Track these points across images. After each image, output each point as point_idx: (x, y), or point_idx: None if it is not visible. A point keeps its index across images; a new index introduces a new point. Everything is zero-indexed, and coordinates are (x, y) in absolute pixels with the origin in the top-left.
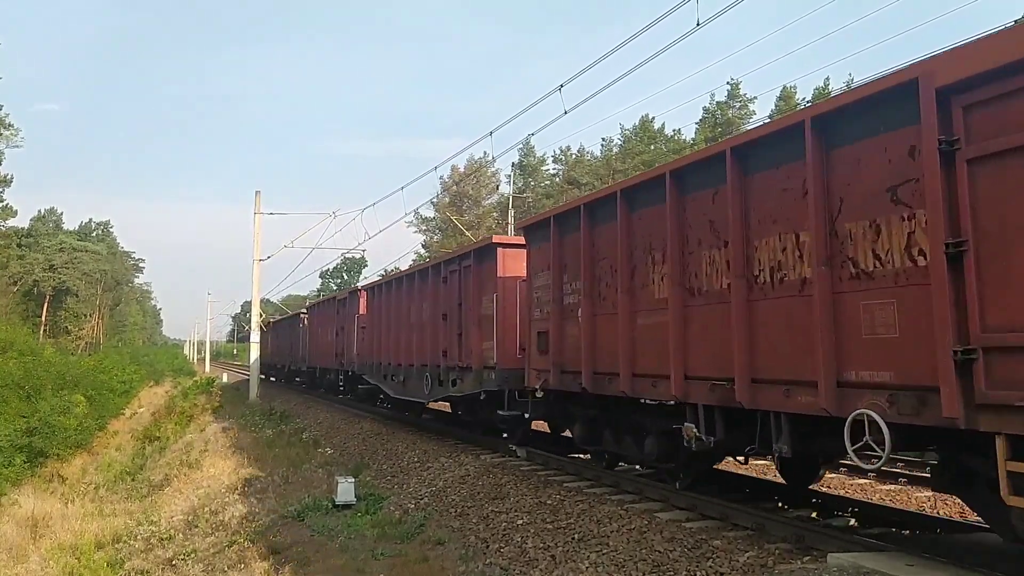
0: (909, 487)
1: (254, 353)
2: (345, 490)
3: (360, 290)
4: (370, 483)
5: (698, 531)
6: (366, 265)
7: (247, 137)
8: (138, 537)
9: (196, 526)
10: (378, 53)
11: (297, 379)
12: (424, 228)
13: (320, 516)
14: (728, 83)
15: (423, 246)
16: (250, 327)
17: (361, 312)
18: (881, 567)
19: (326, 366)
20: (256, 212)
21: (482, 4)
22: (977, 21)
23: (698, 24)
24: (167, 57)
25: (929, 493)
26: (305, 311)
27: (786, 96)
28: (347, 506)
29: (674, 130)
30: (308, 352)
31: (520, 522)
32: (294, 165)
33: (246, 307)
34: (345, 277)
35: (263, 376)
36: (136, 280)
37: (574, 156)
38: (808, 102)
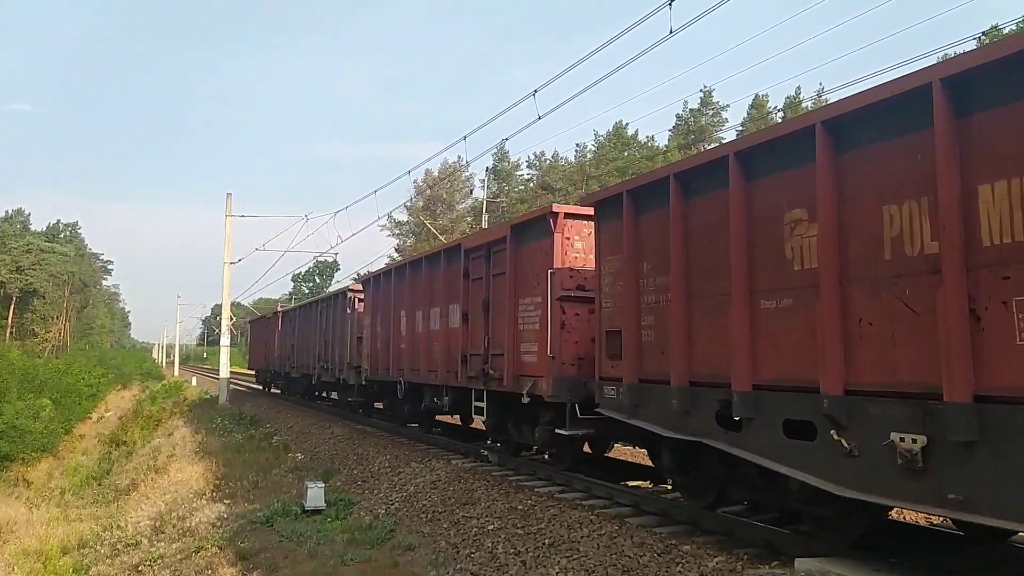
0: None
1: (224, 357)
2: (315, 495)
3: (561, 214)
4: (340, 488)
5: (668, 536)
6: (339, 268)
7: (220, 139)
8: (104, 543)
9: (163, 532)
10: (355, 57)
11: (328, 395)
12: (397, 232)
13: (289, 521)
14: (701, 91)
15: (396, 250)
16: (220, 330)
17: (560, 265)
18: (847, 572)
19: (425, 380)
20: (227, 214)
21: (461, 11)
22: (949, 31)
23: (671, 32)
24: (140, 59)
25: None
26: (357, 288)
27: (758, 104)
28: (317, 511)
29: (647, 137)
30: (369, 355)
31: (491, 527)
32: (267, 168)
33: (216, 310)
34: (317, 280)
35: (262, 388)
36: (104, 282)
37: (548, 161)
38: (780, 110)
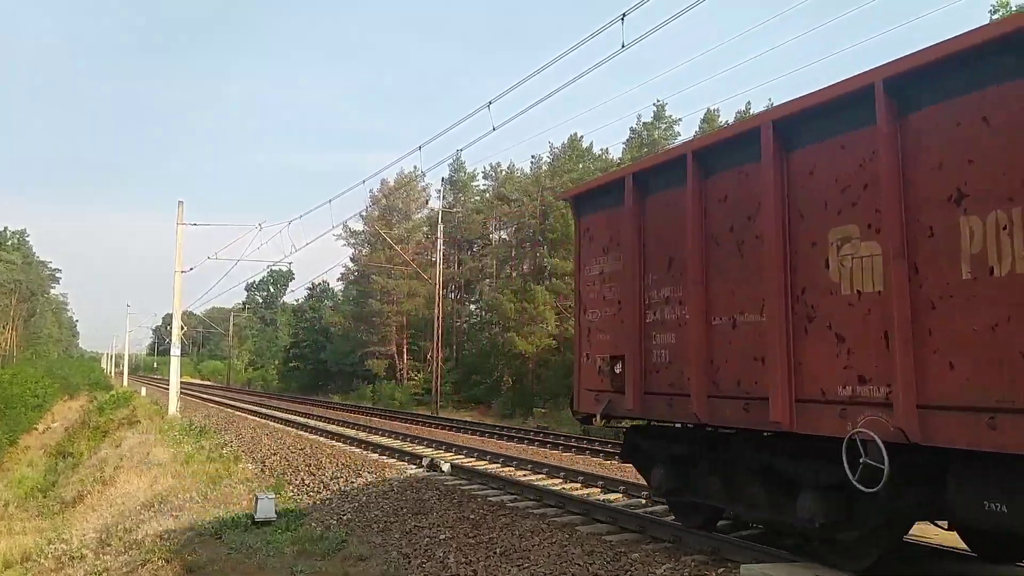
0: None
1: (174, 366)
2: (265, 506)
3: None
4: (291, 499)
5: (618, 544)
6: (293, 278)
7: (172, 146)
8: (48, 555)
9: (109, 544)
10: (311, 67)
11: None
12: (353, 241)
13: (238, 533)
14: (654, 104)
15: (351, 260)
16: (171, 340)
17: None
18: None
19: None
20: (179, 223)
21: (420, 23)
22: (894, 49)
23: (623, 46)
24: (92, 63)
25: None
26: None
27: (709, 119)
28: (267, 523)
29: (602, 149)
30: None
31: (443, 537)
32: (220, 176)
33: (167, 319)
34: (271, 290)
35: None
36: (52, 291)
37: (504, 172)
38: (730, 125)
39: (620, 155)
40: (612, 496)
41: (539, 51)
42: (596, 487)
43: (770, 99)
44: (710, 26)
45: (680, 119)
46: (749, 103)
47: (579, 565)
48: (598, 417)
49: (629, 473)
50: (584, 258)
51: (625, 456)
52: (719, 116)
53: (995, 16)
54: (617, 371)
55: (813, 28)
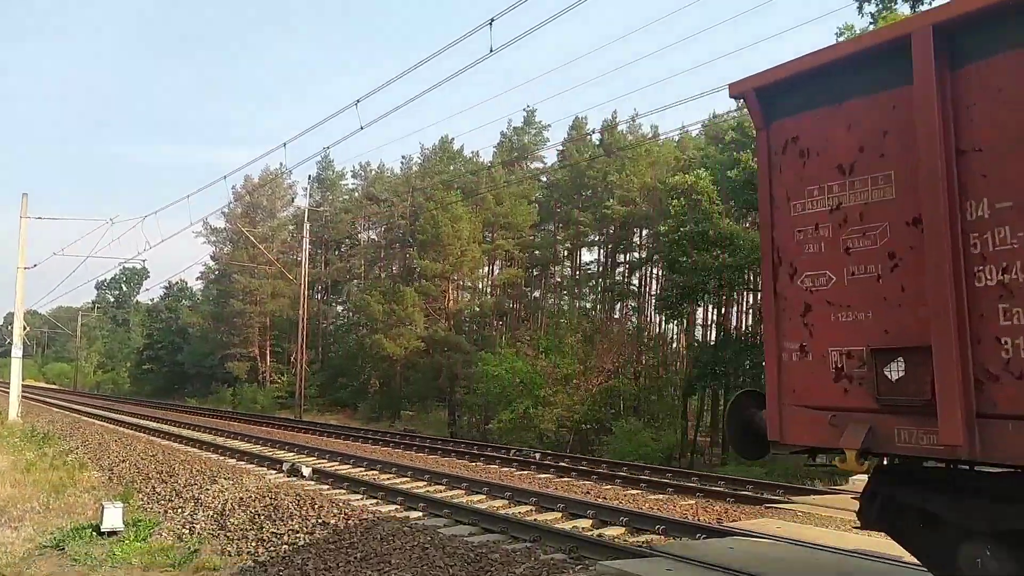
0: (675, 496)
1: (15, 368)
2: (111, 516)
3: None
4: (141, 507)
5: (479, 545)
6: (148, 276)
7: (12, 135)
8: None
9: None
10: (166, 55)
11: None
12: (214, 239)
13: (82, 544)
14: (524, 110)
15: (212, 258)
16: (12, 340)
17: None
18: (643, 572)
19: None
20: (22, 216)
21: (282, 17)
22: (761, 59)
23: (491, 50)
24: None
25: (692, 502)
26: None
27: (577, 126)
28: (113, 533)
29: (473, 152)
30: None
31: (301, 543)
32: (67, 168)
33: (9, 319)
34: (124, 288)
35: None
36: None
37: (374, 172)
38: (597, 132)
39: (491, 157)
40: (476, 497)
41: (411, 52)
42: (460, 489)
43: (635, 109)
44: (578, 34)
45: (549, 125)
46: (615, 112)
47: (440, 567)
48: (854, 455)
49: (494, 474)
50: (786, 186)
51: (877, 520)
52: (587, 123)
53: (841, 37)
54: (893, 376)
55: (676, 41)
